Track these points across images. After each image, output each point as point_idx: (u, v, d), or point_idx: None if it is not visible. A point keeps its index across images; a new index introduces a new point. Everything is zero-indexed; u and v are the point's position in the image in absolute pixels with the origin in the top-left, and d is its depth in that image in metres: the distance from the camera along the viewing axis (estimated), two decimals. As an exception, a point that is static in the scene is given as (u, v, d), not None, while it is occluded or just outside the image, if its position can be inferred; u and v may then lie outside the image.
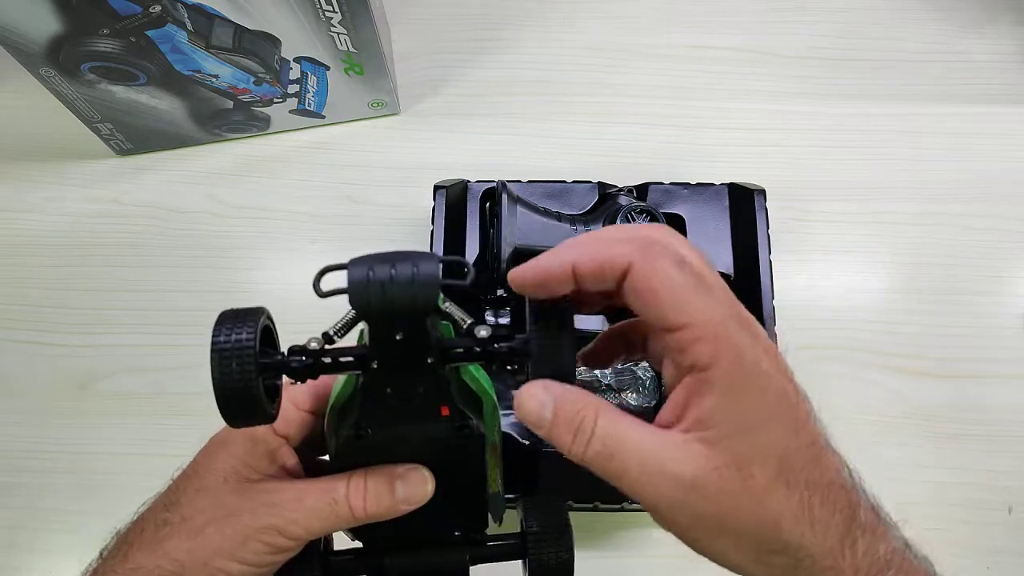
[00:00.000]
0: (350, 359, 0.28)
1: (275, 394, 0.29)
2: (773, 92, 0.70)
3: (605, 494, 0.50)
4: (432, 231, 0.55)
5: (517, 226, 0.53)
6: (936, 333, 0.62)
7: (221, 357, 0.27)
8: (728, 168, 0.66)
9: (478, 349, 0.28)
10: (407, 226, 0.65)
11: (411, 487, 0.30)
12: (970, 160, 0.67)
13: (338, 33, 0.60)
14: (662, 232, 0.27)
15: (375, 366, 0.28)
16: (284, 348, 0.29)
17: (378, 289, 0.26)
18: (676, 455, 0.25)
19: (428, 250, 0.30)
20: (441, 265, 0.27)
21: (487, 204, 0.57)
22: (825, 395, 0.63)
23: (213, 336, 0.27)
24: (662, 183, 0.57)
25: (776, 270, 0.54)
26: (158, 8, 0.55)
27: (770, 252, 0.54)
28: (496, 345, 0.28)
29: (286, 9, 0.57)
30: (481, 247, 0.56)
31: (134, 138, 0.68)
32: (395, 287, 0.26)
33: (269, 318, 0.29)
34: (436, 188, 0.57)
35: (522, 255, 0.53)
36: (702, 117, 0.69)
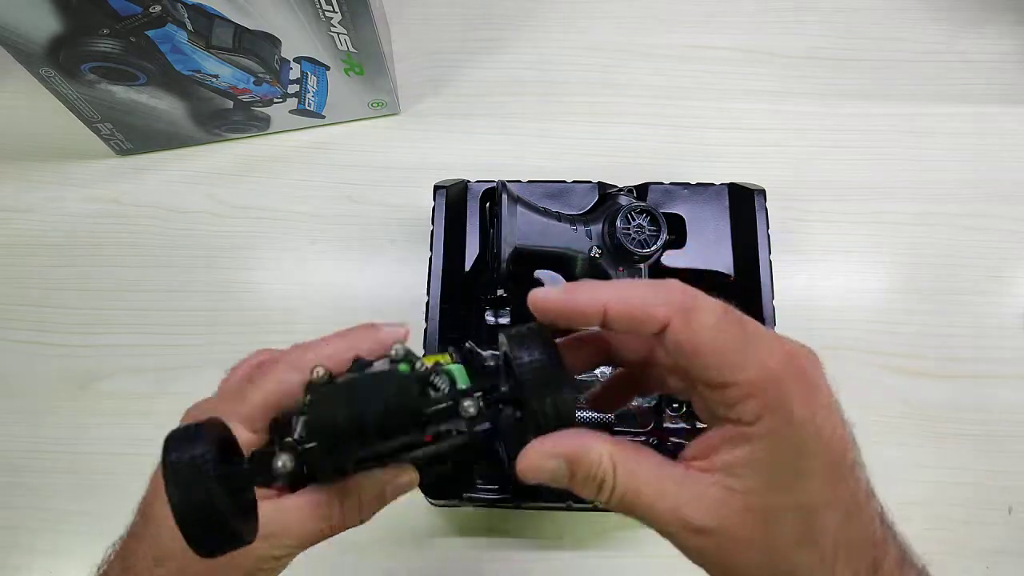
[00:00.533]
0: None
1: (251, 511, 0.27)
2: (773, 92, 0.70)
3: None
4: (432, 231, 0.55)
5: (517, 226, 0.53)
6: (936, 333, 0.62)
7: (176, 476, 0.24)
8: (728, 168, 0.66)
9: (464, 432, 0.27)
10: (407, 226, 0.65)
11: (399, 487, 0.31)
12: (970, 160, 0.67)
13: (338, 33, 0.60)
14: (698, 292, 0.26)
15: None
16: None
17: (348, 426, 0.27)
18: (693, 498, 0.25)
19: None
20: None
21: (487, 204, 0.57)
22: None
23: (163, 456, 0.24)
24: (662, 183, 0.57)
25: (776, 270, 0.54)
26: (158, 8, 0.55)
27: (770, 252, 0.54)
28: (484, 406, 0.27)
29: (286, 9, 0.57)
30: (481, 247, 0.56)
31: (134, 138, 0.68)
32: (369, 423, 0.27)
33: (225, 428, 0.27)
34: (436, 188, 0.57)
35: (522, 255, 0.53)
36: (702, 117, 0.69)
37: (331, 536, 0.31)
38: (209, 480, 0.24)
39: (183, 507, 0.24)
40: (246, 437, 0.31)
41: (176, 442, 0.25)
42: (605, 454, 0.25)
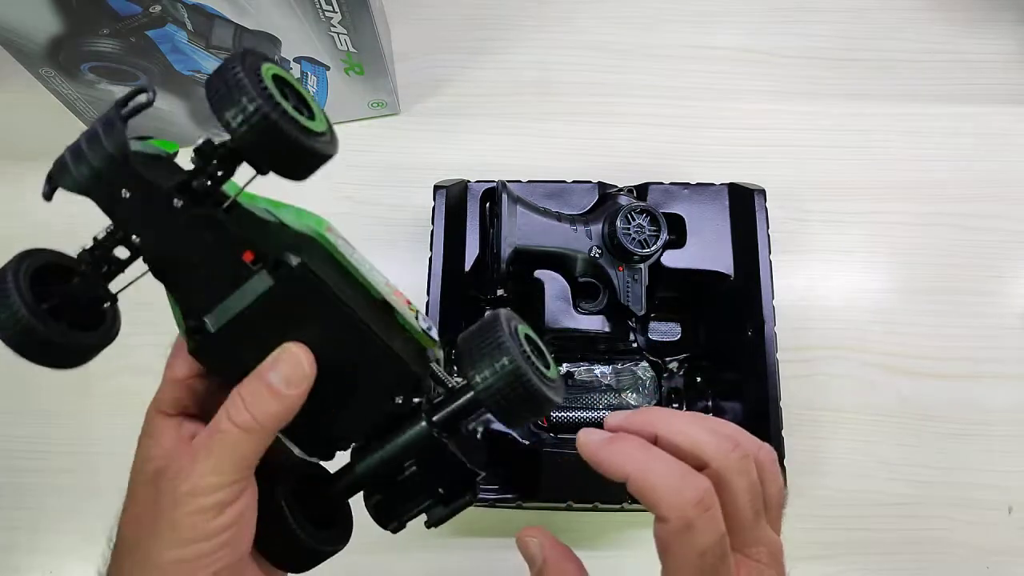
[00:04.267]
0: (108, 246, 0.28)
1: (101, 318, 0.29)
2: (773, 92, 0.70)
3: (605, 494, 0.50)
4: (432, 231, 0.55)
5: (517, 226, 0.53)
6: (936, 333, 0.62)
7: None
8: (728, 168, 0.66)
9: (206, 159, 0.26)
10: (407, 226, 0.65)
11: (285, 367, 0.28)
12: (970, 160, 0.67)
13: (338, 33, 0.60)
14: (709, 508, 0.27)
15: (137, 240, 0.27)
16: None
17: (74, 159, 0.26)
18: None
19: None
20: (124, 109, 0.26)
21: (487, 204, 0.57)
22: (825, 395, 0.63)
23: None
24: (662, 183, 0.57)
25: (776, 270, 0.54)
26: (158, 8, 0.55)
27: (770, 252, 0.54)
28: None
29: (286, 9, 0.57)
30: (481, 247, 0.56)
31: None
32: (86, 148, 0.26)
33: (44, 255, 0.28)
34: (436, 188, 0.57)
35: (522, 255, 0.53)
36: (702, 117, 0.69)
37: (235, 449, 0.28)
38: (15, 308, 0.26)
39: (5, 335, 0.27)
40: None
41: None
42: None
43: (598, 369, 0.58)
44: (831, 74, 0.71)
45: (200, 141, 0.27)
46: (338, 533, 0.33)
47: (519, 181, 0.57)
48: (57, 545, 0.58)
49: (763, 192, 0.56)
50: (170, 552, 0.28)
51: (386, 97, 0.68)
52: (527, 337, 0.30)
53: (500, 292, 0.57)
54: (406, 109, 0.71)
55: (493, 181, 0.56)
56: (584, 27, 0.73)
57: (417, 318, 0.31)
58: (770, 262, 0.54)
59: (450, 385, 0.31)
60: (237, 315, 0.28)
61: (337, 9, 0.57)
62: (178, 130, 0.68)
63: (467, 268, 0.56)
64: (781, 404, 0.51)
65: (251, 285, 0.28)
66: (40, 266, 0.28)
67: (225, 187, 0.28)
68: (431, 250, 0.55)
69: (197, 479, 0.28)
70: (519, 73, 0.72)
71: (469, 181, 0.58)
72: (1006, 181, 0.67)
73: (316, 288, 0.28)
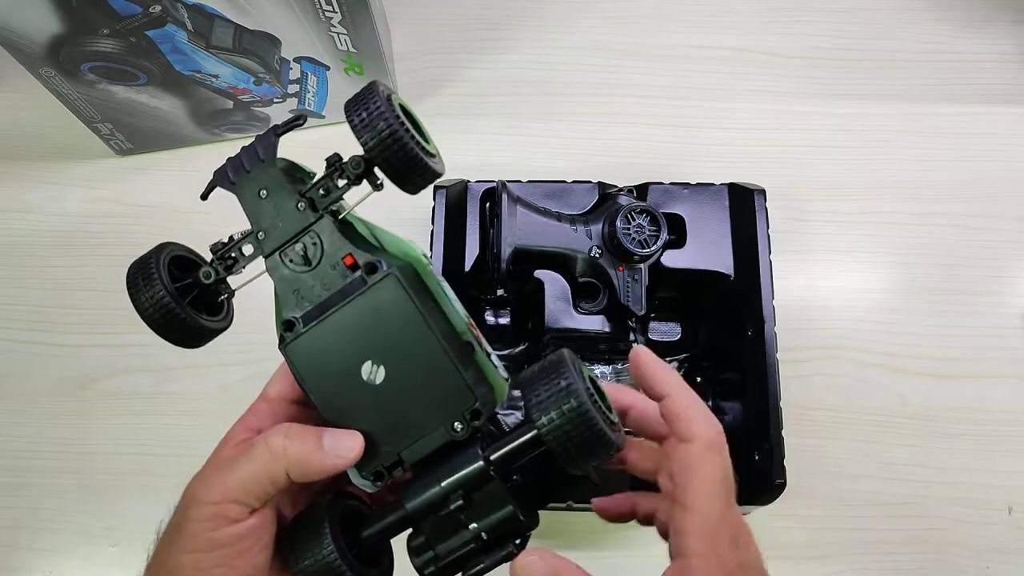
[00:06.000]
0: (242, 244, 0.32)
1: (219, 308, 0.33)
2: (773, 92, 0.70)
3: (606, 494, 0.50)
4: (432, 231, 0.55)
5: (517, 226, 0.53)
6: (936, 333, 0.62)
7: (135, 294, 0.31)
8: (728, 168, 0.66)
9: (333, 170, 0.31)
10: (407, 226, 0.65)
11: (338, 437, 0.29)
12: (970, 160, 0.67)
13: (338, 33, 0.60)
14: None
15: (261, 236, 0.31)
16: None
17: (232, 162, 0.31)
18: None
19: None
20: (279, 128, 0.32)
21: (487, 204, 0.57)
22: (825, 395, 0.63)
23: (126, 282, 0.32)
24: (662, 183, 0.57)
25: (776, 270, 0.54)
26: (158, 8, 0.55)
27: (770, 252, 0.54)
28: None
29: (286, 9, 0.57)
30: (481, 247, 0.56)
31: (134, 138, 0.68)
32: (243, 153, 0.31)
33: (179, 248, 0.33)
34: (436, 188, 0.57)
35: (522, 255, 0.53)
36: (702, 117, 0.69)
37: (255, 471, 0.29)
38: (160, 294, 0.30)
39: (148, 320, 0.31)
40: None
41: (133, 266, 0.32)
42: None
43: (598, 369, 0.58)
44: (831, 74, 0.71)
45: (330, 154, 0.31)
46: (381, 573, 0.32)
47: (519, 181, 0.57)
48: (57, 545, 0.58)
49: (763, 192, 0.56)
50: (179, 556, 0.28)
51: (386, 97, 0.68)
52: (591, 380, 0.30)
53: (500, 292, 0.57)
54: (406, 109, 0.71)
55: (493, 181, 0.56)
56: (584, 27, 0.73)
57: (490, 357, 0.31)
58: (770, 262, 0.54)
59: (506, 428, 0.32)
60: (326, 314, 0.30)
61: (337, 9, 0.57)
62: (178, 130, 0.68)
63: (467, 268, 0.56)
64: (781, 404, 0.51)
65: (345, 288, 0.30)
66: (174, 256, 0.32)
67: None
68: (431, 250, 0.55)
69: (212, 489, 0.29)
70: (519, 73, 0.72)
71: (469, 181, 0.58)
72: (1006, 181, 0.67)
73: (404, 300, 0.29)
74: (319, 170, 0.32)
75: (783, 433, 0.50)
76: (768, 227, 0.55)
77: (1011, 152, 0.68)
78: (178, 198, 0.68)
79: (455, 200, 0.57)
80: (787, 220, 0.64)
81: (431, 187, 0.57)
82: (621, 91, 0.71)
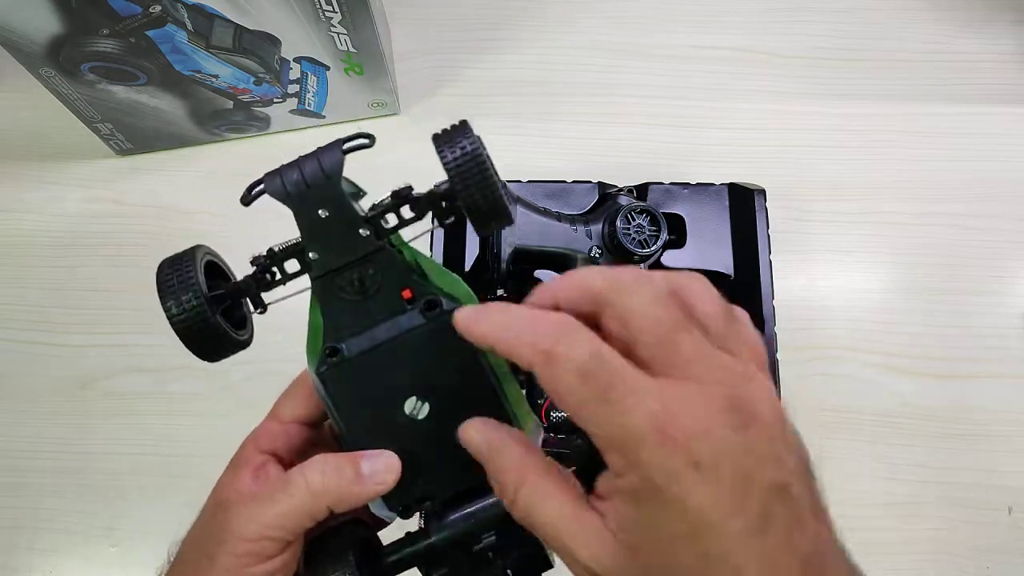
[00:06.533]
0: (294, 261, 0.29)
1: (243, 322, 0.31)
2: (773, 92, 0.70)
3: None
4: (432, 231, 0.55)
5: (517, 226, 0.53)
6: (936, 333, 0.62)
7: (168, 297, 0.28)
8: (728, 168, 0.66)
9: (403, 202, 0.30)
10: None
11: (377, 463, 0.29)
12: (970, 160, 0.67)
13: (338, 33, 0.60)
14: (572, 332, 0.25)
15: (313, 256, 0.29)
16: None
17: (289, 171, 0.29)
18: (588, 543, 0.24)
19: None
20: (345, 145, 0.29)
21: (487, 204, 0.57)
22: (825, 395, 0.63)
23: (157, 281, 0.28)
24: (662, 183, 0.57)
25: (776, 270, 0.54)
26: (158, 8, 0.55)
27: (770, 252, 0.54)
28: (414, 193, 0.30)
29: (286, 9, 0.57)
30: (481, 247, 0.56)
31: (134, 138, 0.68)
32: (304, 164, 0.29)
33: (211, 253, 0.31)
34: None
35: (522, 255, 0.53)
36: (702, 117, 0.69)
37: (295, 508, 0.28)
38: (198, 298, 0.28)
39: (181, 324, 0.28)
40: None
41: (165, 271, 0.29)
42: (515, 467, 0.26)
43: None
44: (831, 74, 0.71)
45: (401, 185, 0.30)
46: None
47: (519, 181, 0.57)
48: (57, 545, 0.58)
49: (763, 192, 0.56)
50: None
51: (386, 97, 0.68)
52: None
53: (500, 292, 0.56)
54: (406, 109, 0.71)
55: (493, 181, 0.56)
56: (584, 27, 0.73)
57: (522, 393, 0.31)
58: (770, 262, 0.54)
59: None
60: (377, 346, 0.29)
61: (337, 9, 0.57)
62: (178, 130, 0.68)
63: (467, 268, 0.56)
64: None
65: (400, 320, 0.29)
66: (208, 262, 0.30)
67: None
68: (431, 250, 0.55)
69: (249, 524, 0.28)
70: (519, 73, 0.72)
71: (469, 181, 0.58)
72: (1006, 181, 0.67)
73: (461, 340, 0.28)
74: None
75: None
76: (768, 227, 0.55)
77: (1011, 152, 0.68)
78: (178, 198, 0.68)
79: (455, 200, 0.57)
80: (787, 220, 0.64)
81: (431, 187, 0.57)
82: (621, 91, 0.71)
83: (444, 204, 0.30)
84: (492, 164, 0.29)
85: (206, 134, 0.69)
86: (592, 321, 0.25)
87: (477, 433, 0.28)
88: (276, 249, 0.30)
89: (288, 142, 0.70)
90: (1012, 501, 0.57)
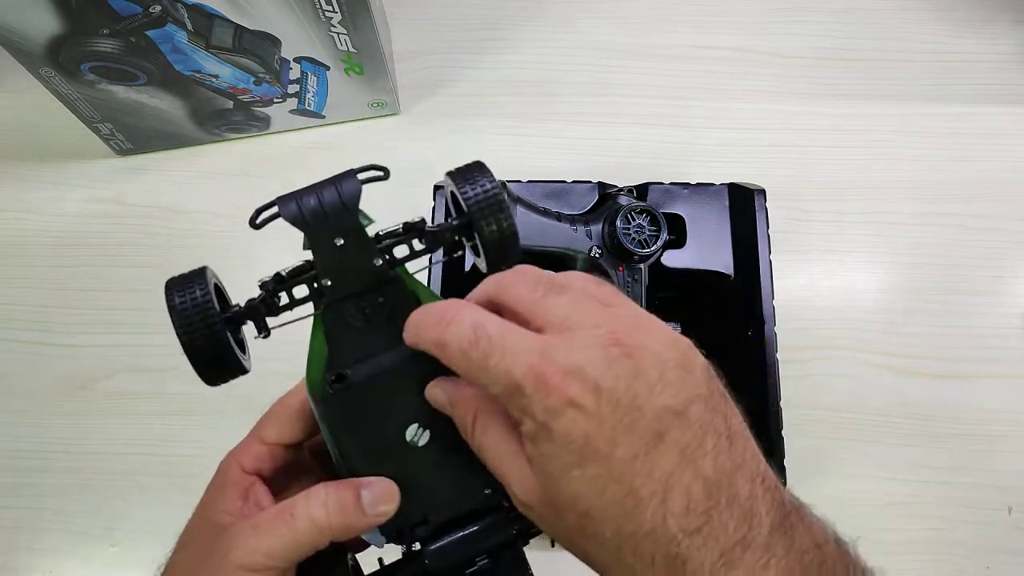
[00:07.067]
0: (303, 287, 0.29)
1: (243, 347, 0.31)
2: (773, 92, 0.70)
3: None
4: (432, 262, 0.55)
5: (517, 226, 0.53)
6: (936, 333, 0.62)
7: (183, 318, 0.28)
8: (728, 168, 0.66)
9: (417, 234, 0.30)
10: (407, 226, 0.65)
11: (376, 494, 0.29)
12: (970, 160, 0.67)
13: (338, 33, 0.60)
14: (458, 311, 0.28)
15: (328, 283, 0.29)
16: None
17: (307, 197, 0.29)
18: (518, 478, 0.27)
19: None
20: (360, 175, 0.30)
21: (487, 204, 0.57)
22: (825, 395, 0.63)
23: (168, 301, 0.28)
24: (662, 183, 0.57)
25: (776, 270, 0.54)
26: (158, 8, 0.55)
27: (770, 252, 0.54)
28: (430, 225, 0.30)
29: (286, 9, 0.57)
30: (481, 247, 0.56)
31: (134, 138, 0.68)
32: (322, 192, 0.29)
33: (215, 276, 0.31)
34: (436, 188, 0.57)
35: (522, 255, 0.53)
36: (702, 117, 0.69)
37: (297, 540, 0.28)
38: (213, 320, 0.28)
39: (193, 345, 0.28)
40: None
41: (175, 291, 0.28)
42: (470, 407, 0.28)
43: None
44: (831, 74, 0.71)
45: (417, 219, 0.31)
46: None
47: (519, 181, 0.57)
48: (57, 545, 0.58)
49: (763, 192, 0.56)
50: None
51: (386, 97, 0.68)
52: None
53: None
54: (406, 109, 0.71)
55: (493, 181, 0.56)
56: (584, 27, 0.73)
57: None
58: (770, 262, 0.54)
59: None
60: (381, 373, 0.30)
61: (337, 9, 0.57)
62: (178, 130, 0.68)
63: (467, 269, 0.56)
64: (781, 404, 0.51)
65: (404, 348, 0.29)
66: (215, 284, 0.30)
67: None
68: (430, 262, 0.55)
69: (250, 554, 0.28)
70: (519, 73, 0.72)
71: (469, 181, 0.58)
72: (1006, 181, 0.67)
73: None
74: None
75: (783, 433, 0.50)
76: (768, 227, 0.55)
77: (1011, 152, 0.68)
78: (178, 198, 0.68)
79: (455, 200, 0.57)
80: (787, 220, 0.64)
81: (431, 187, 0.57)
82: (621, 91, 0.71)
83: (456, 238, 0.31)
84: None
85: (206, 134, 0.69)
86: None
87: (441, 390, 0.29)
88: (284, 273, 0.30)
89: (288, 142, 0.70)
90: (1012, 501, 0.57)
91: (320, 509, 0.28)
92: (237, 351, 0.29)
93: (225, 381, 0.29)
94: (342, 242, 0.29)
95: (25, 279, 0.66)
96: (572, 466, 0.25)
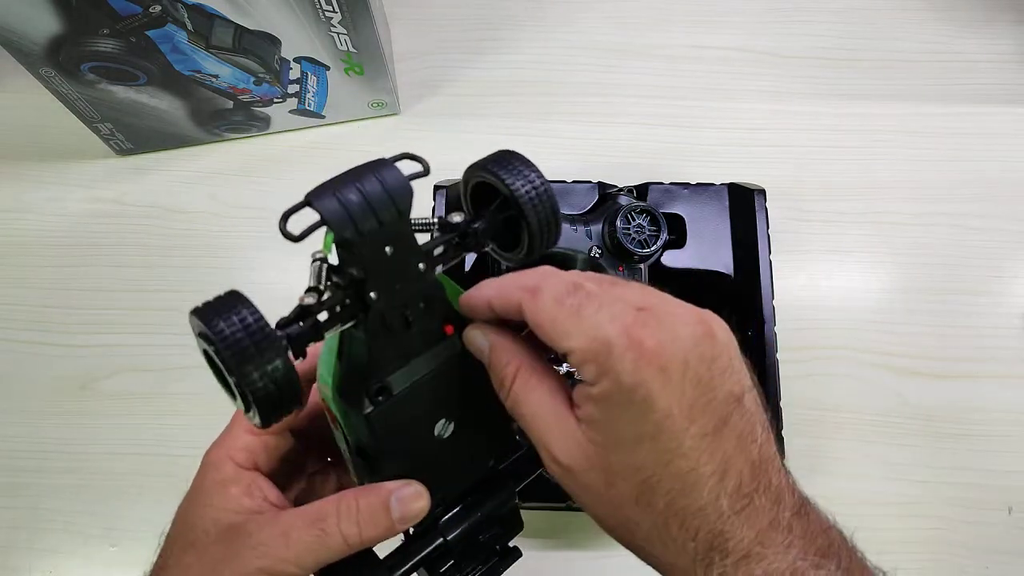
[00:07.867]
0: (346, 301, 0.26)
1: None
2: (773, 92, 0.70)
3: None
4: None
5: (517, 226, 0.53)
6: (936, 333, 0.62)
7: (248, 363, 0.22)
8: (728, 168, 0.66)
9: (457, 237, 0.29)
10: (407, 226, 0.65)
11: (407, 503, 0.29)
12: (969, 160, 0.68)
13: (338, 33, 0.60)
14: (555, 274, 0.29)
15: (374, 296, 0.26)
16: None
17: (358, 209, 0.25)
18: (562, 439, 0.27)
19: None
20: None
21: (487, 204, 0.57)
22: (825, 395, 0.63)
23: (226, 341, 0.22)
24: (662, 183, 0.57)
25: (776, 270, 0.54)
26: (158, 8, 0.55)
27: (770, 252, 0.54)
28: (474, 226, 0.29)
29: (286, 9, 0.57)
30: (481, 247, 0.56)
31: (134, 138, 0.68)
32: (374, 200, 0.25)
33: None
34: (436, 188, 0.57)
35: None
36: (702, 117, 0.69)
37: (329, 554, 0.29)
38: (278, 351, 0.23)
39: (257, 381, 0.22)
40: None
41: (214, 314, 0.22)
42: (514, 361, 0.28)
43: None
44: (831, 74, 0.71)
45: (455, 219, 0.29)
46: None
47: (519, 181, 0.57)
48: (57, 545, 0.58)
49: (763, 192, 0.56)
50: None
51: (386, 97, 0.68)
52: None
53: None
54: (406, 109, 0.71)
55: (493, 181, 0.56)
56: (584, 27, 0.73)
57: None
58: (770, 262, 0.54)
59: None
60: (419, 378, 0.29)
61: (337, 9, 0.57)
62: (178, 130, 0.68)
63: (467, 269, 0.56)
64: (781, 404, 0.51)
65: (437, 350, 0.29)
66: None
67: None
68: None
69: (280, 563, 0.28)
70: (519, 73, 0.72)
71: (469, 181, 0.58)
72: (1006, 181, 0.67)
73: (479, 361, 0.30)
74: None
75: (783, 433, 0.50)
76: (768, 227, 0.55)
77: (1010, 152, 0.68)
78: (179, 198, 0.68)
79: (455, 200, 0.57)
80: (787, 220, 0.64)
81: (431, 187, 0.57)
82: (621, 91, 0.71)
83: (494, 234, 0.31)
84: None
85: (206, 134, 0.69)
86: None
87: (481, 334, 0.29)
88: (322, 287, 0.26)
89: (288, 142, 0.70)
90: (1012, 501, 0.57)
91: (353, 527, 0.28)
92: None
93: (283, 417, 0.25)
94: (392, 250, 0.26)
95: (25, 279, 0.66)
96: (646, 436, 0.25)
